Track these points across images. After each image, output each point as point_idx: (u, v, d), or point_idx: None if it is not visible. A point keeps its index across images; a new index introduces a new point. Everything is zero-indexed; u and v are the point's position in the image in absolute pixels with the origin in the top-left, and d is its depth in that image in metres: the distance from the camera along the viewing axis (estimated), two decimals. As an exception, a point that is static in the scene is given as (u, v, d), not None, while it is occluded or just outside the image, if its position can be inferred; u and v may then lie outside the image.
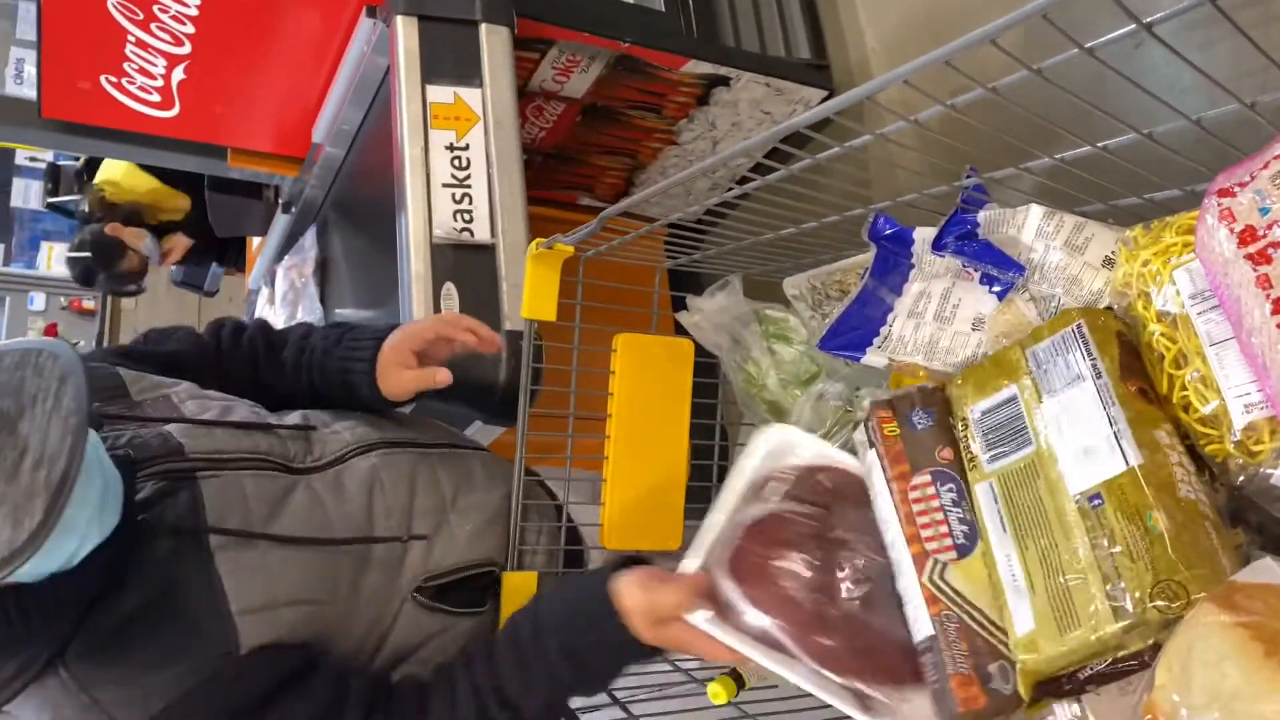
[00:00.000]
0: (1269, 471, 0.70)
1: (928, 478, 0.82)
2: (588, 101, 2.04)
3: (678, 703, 1.07)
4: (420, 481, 1.09)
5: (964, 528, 0.80)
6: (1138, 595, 0.66)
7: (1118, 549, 0.70)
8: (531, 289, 1.13)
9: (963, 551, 0.79)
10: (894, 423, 0.85)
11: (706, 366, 1.25)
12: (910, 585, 0.80)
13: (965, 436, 0.83)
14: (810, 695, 1.00)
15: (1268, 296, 0.64)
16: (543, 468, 1.31)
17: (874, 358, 0.92)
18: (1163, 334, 0.76)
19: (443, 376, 1.07)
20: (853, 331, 0.94)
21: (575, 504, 1.22)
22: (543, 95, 2.01)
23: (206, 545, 0.88)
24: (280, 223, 2.32)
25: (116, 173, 2.91)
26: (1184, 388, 0.74)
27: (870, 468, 0.85)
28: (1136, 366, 0.78)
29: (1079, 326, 0.79)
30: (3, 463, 0.70)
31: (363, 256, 1.97)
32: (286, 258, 2.28)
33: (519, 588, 1.09)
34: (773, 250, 1.14)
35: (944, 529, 0.80)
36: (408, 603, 1.01)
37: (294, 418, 1.09)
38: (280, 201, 2.29)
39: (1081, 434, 0.76)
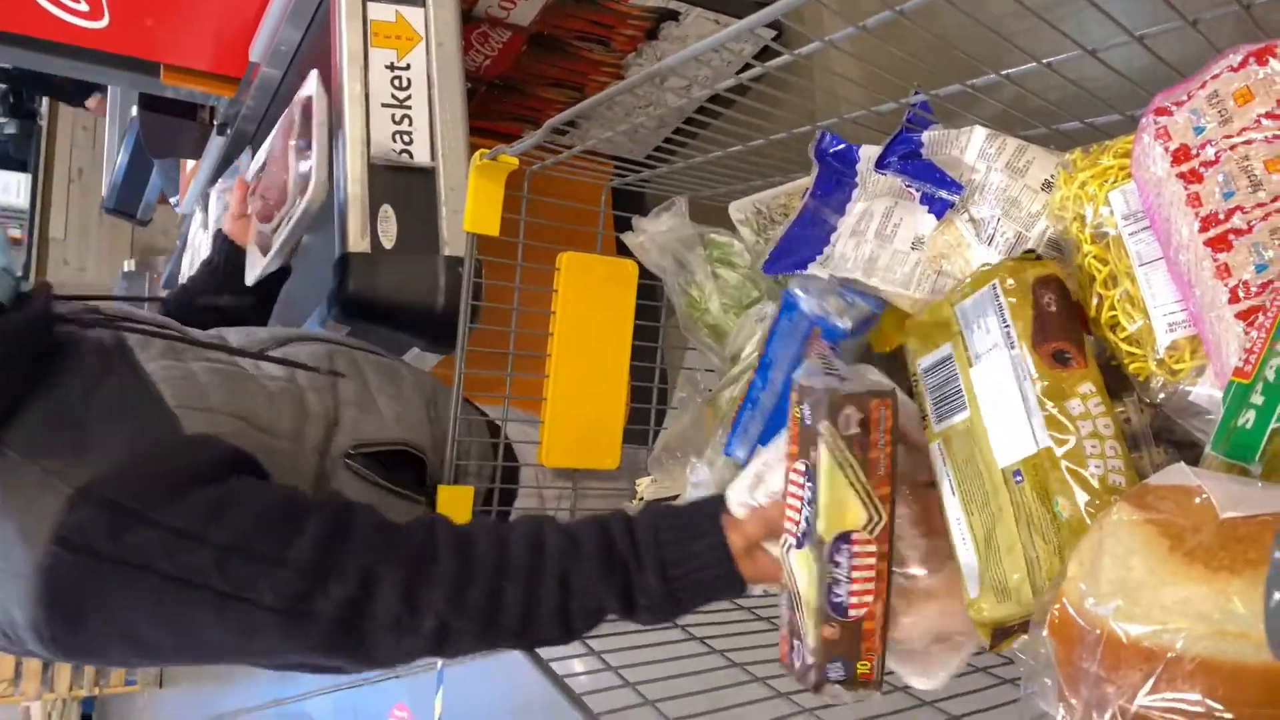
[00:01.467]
0: (1188, 389, 0.72)
1: (801, 468, 0.81)
2: (534, 30, 2.00)
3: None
4: (341, 365, 1.13)
5: (806, 525, 0.80)
6: (1048, 581, 0.69)
7: (1034, 529, 0.72)
8: (474, 202, 1.11)
9: (800, 544, 0.80)
10: (797, 408, 0.83)
11: (648, 289, 1.25)
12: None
13: (919, 392, 0.84)
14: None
15: (1196, 214, 0.66)
16: (483, 405, 1.31)
17: (816, 273, 0.92)
18: (1095, 256, 0.77)
19: None
20: (796, 253, 0.94)
21: (514, 421, 1.22)
22: (489, 21, 1.96)
23: (131, 352, 0.91)
24: (215, 145, 2.25)
25: None
26: (1113, 308, 0.76)
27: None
28: (1056, 320, 0.77)
29: (994, 286, 0.78)
30: None
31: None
32: (220, 180, 2.22)
33: (455, 500, 1.09)
34: (720, 171, 1.14)
35: (796, 518, 0.81)
36: (343, 469, 1.02)
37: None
38: (215, 123, 2.22)
39: (1002, 406, 0.76)
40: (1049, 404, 0.74)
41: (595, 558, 0.86)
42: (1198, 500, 0.54)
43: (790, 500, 0.81)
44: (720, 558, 0.86)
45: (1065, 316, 0.78)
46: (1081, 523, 0.69)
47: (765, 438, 1.01)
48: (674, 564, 0.86)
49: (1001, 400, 0.76)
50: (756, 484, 0.88)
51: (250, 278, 1.44)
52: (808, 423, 0.80)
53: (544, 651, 0.92)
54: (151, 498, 0.78)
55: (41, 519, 0.77)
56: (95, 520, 0.76)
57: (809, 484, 0.80)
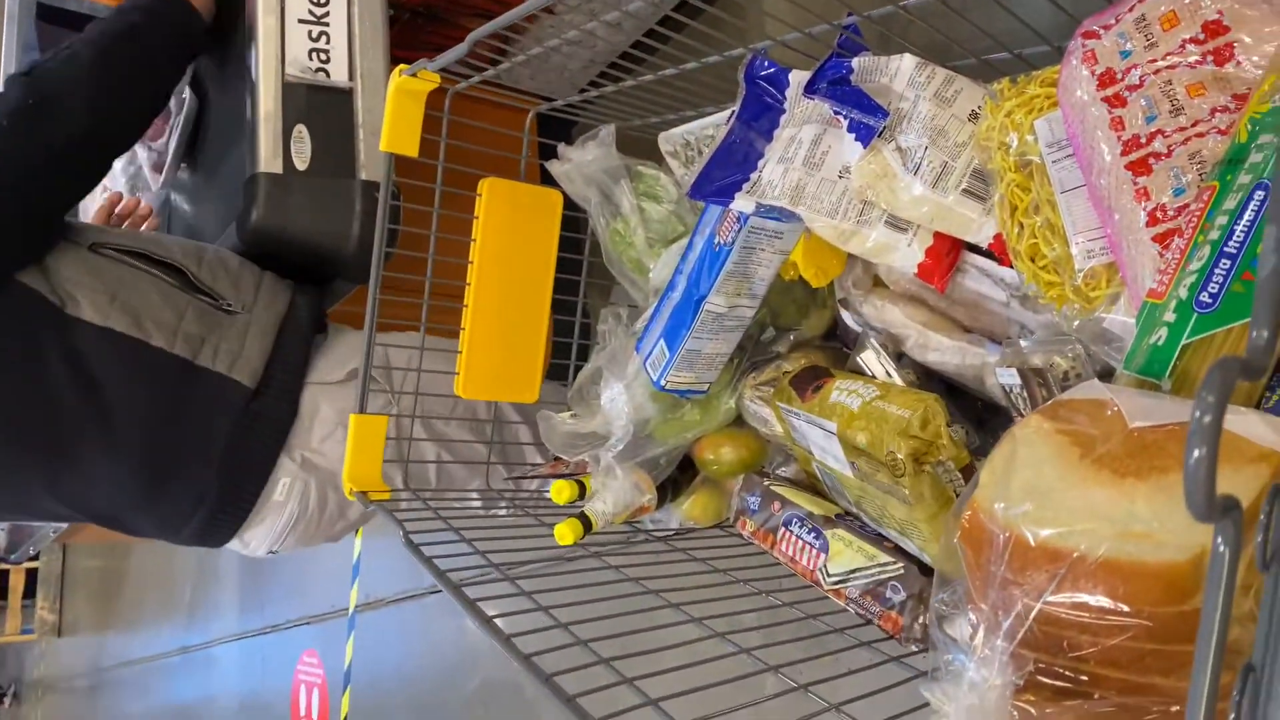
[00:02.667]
0: (1102, 316, 0.73)
1: (783, 530, 0.99)
2: (462, -44, 1.93)
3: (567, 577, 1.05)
4: None
5: (813, 535, 0.96)
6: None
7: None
8: (393, 121, 1.07)
9: (824, 549, 0.94)
10: (749, 522, 1.04)
11: (571, 221, 1.23)
12: (835, 608, 0.94)
13: None
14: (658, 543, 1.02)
15: (1119, 138, 0.66)
16: (392, 334, 1.28)
17: (743, 203, 0.91)
18: (1018, 184, 0.78)
19: None
20: (723, 178, 0.93)
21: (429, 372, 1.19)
22: (414, -57, 1.89)
23: None
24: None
25: None
26: (1033, 235, 0.76)
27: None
28: (803, 378, 0.98)
29: (785, 410, 0.97)
30: None
31: (208, 98, 1.84)
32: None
33: (367, 429, 1.06)
34: (650, 98, 1.11)
35: (813, 549, 0.95)
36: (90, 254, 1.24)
37: None
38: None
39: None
40: (830, 422, 0.90)
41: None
42: (1109, 412, 0.54)
43: (803, 559, 0.97)
44: None
45: (807, 374, 0.98)
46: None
47: (670, 333, 1.01)
48: None
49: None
50: None
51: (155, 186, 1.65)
52: (755, 509, 1.04)
53: (473, 592, 0.89)
54: None
55: None
56: None
57: (791, 519, 0.99)
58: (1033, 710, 0.48)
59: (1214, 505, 0.27)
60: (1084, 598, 0.47)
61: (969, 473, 0.86)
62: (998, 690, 0.49)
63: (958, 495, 0.85)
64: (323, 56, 1.41)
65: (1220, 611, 0.31)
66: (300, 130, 1.38)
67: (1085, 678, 0.48)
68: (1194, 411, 0.27)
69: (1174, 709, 0.47)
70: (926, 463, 0.84)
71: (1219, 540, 0.30)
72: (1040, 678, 0.49)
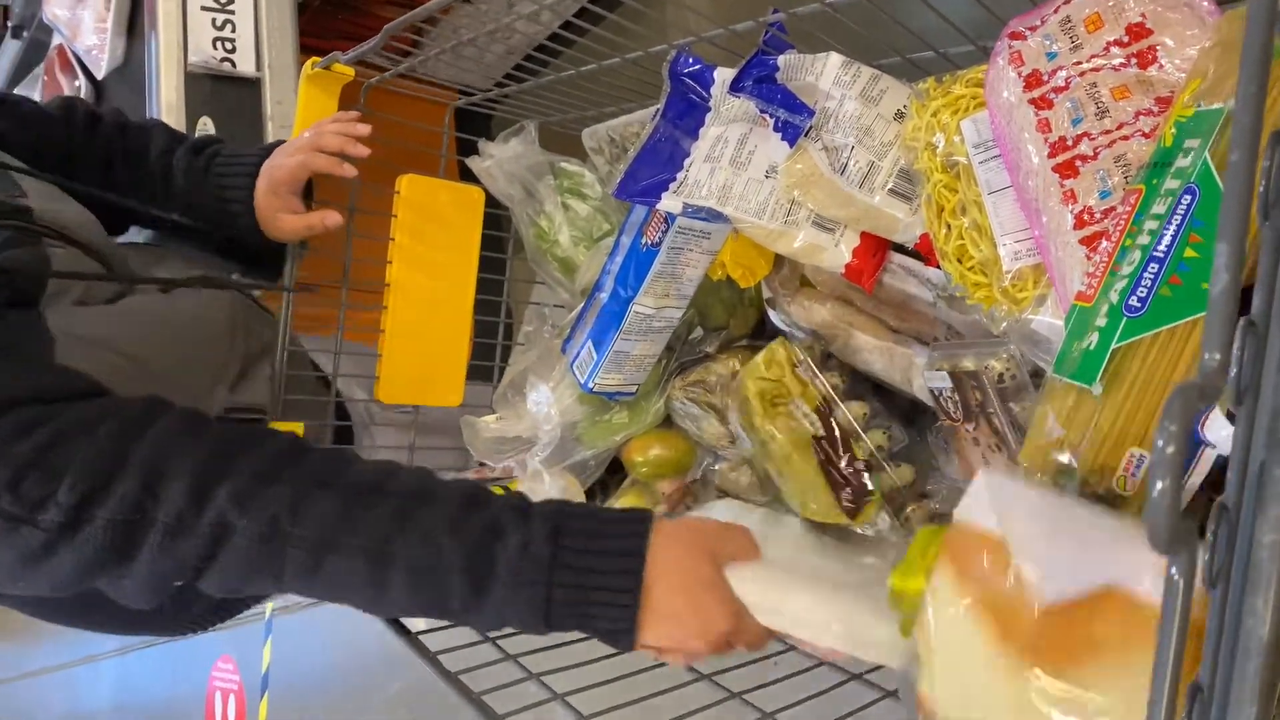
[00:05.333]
0: (1030, 317, 0.73)
1: None
2: (374, -59, 1.88)
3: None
4: (239, 324, 1.06)
5: None
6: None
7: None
8: (304, 114, 1.02)
9: None
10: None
11: (493, 219, 1.19)
12: None
13: None
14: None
15: (1046, 140, 0.66)
16: (310, 336, 1.23)
17: (670, 203, 0.89)
18: (945, 185, 0.77)
19: (333, 220, 1.04)
20: (650, 178, 0.91)
21: (345, 375, 1.15)
22: (324, -72, 1.83)
23: (42, 290, 0.83)
24: (9, 49, 2.02)
25: None
26: (960, 236, 0.76)
27: None
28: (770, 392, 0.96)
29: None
30: None
31: (105, 89, 1.75)
32: (17, 91, 1.99)
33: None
34: (573, 94, 1.09)
35: None
36: None
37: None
38: (10, 25, 1.99)
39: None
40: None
41: (456, 498, 0.71)
42: (1009, 563, 0.52)
43: None
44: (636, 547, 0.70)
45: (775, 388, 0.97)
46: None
47: (598, 334, 0.99)
48: (574, 533, 0.70)
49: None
50: None
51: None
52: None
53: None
54: None
55: None
56: None
57: None
58: None
59: (1178, 538, 0.26)
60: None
61: (823, 412, 0.90)
62: None
63: (814, 437, 0.90)
64: (228, 46, 1.35)
65: (1175, 641, 0.30)
66: (205, 123, 1.32)
67: None
68: (1157, 441, 0.26)
69: None
70: (781, 403, 0.89)
71: (1173, 570, 0.29)
72: None
